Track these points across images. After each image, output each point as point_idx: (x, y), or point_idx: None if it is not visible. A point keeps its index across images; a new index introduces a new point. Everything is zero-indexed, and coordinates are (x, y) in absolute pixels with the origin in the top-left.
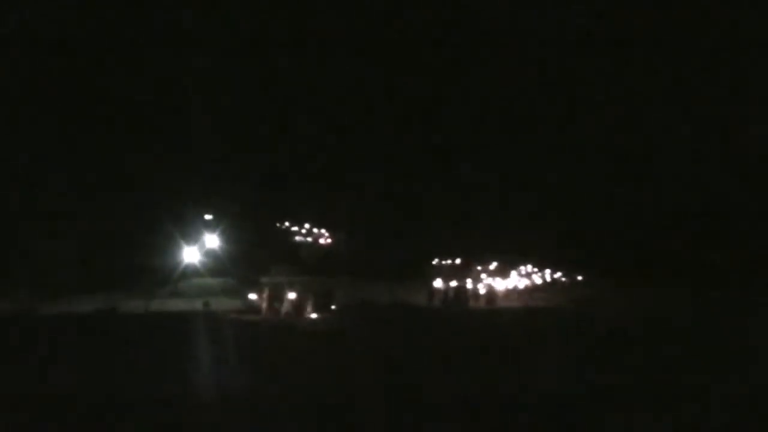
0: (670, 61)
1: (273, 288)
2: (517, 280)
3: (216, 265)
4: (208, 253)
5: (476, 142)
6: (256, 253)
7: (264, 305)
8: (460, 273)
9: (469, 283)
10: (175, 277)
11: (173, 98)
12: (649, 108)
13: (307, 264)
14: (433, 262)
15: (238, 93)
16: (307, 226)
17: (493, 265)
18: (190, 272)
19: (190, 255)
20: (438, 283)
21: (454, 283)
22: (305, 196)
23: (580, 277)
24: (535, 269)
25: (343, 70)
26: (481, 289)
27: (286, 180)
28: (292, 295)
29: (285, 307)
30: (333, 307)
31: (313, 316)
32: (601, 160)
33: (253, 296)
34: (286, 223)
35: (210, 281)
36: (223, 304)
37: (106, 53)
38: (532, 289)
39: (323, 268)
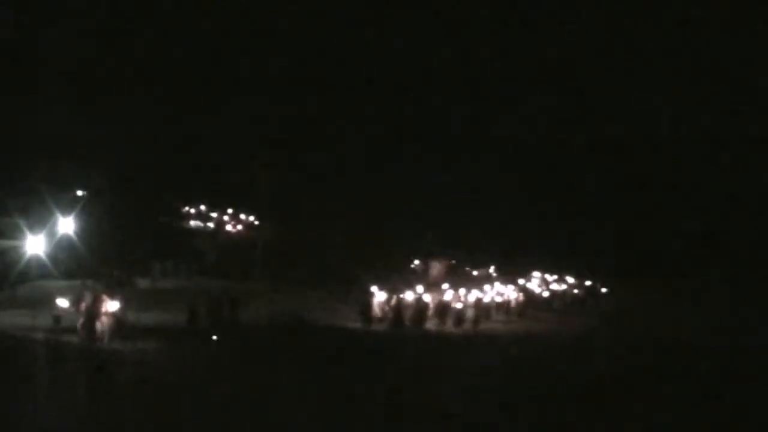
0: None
1: (95, 294)
2: (503, 290)
3: (73, 261)
4: (63, 245)
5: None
6: (131, 245)
7: (80, 320)
8: (421, 280)
9: (426, 295)
10: (12, 278)
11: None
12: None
13: (208, 260)
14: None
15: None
16: (230, 211)
17: (491, 269)
18: (36, 271)
19: (36, 247)
20: (380, 294)
21: (411, 296)
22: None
23: (604, 290)
24: (546, 276)
25: None
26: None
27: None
28: (113, 306)
29: (101, 325)
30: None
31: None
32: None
33: (63, 302)
34: (202, 207)
35: (63, 284)
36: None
37: None
38: (525, 305)
39: (228, 266)
